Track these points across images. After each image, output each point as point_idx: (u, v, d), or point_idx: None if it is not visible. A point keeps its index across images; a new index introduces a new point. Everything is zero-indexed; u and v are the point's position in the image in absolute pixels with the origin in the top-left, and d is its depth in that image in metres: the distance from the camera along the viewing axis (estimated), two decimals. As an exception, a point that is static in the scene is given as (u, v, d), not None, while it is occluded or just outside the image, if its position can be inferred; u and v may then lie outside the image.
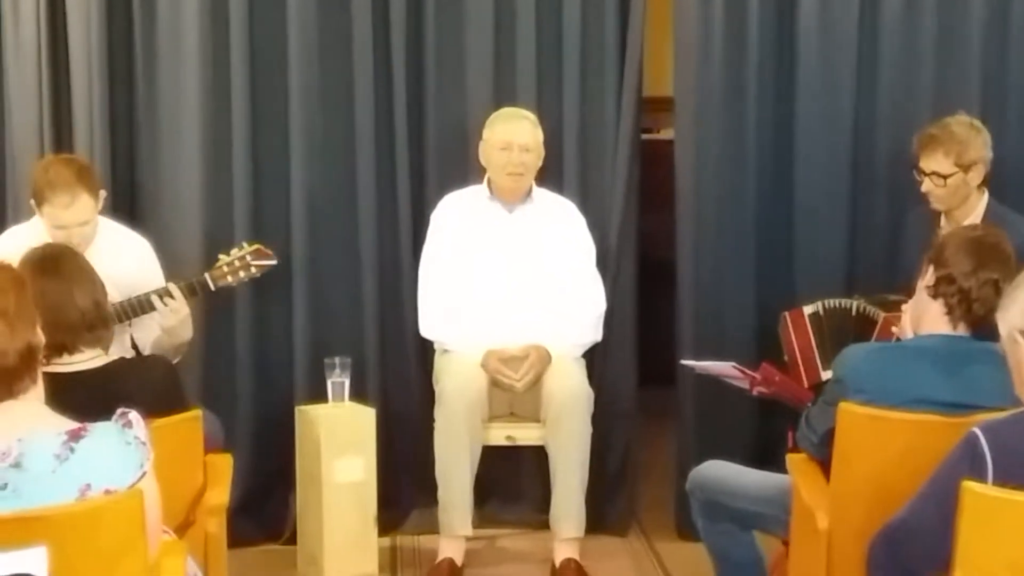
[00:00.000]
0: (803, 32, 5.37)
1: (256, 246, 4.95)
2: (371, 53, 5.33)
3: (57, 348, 3.60)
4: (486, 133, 5.21)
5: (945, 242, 3.81)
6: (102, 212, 4.79)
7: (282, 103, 5.34)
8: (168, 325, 4.68)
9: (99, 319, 3.73)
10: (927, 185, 4.90)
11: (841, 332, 4.79)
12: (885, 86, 5.41)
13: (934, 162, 4.89)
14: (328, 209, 5.40)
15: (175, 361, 4.67)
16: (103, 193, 4.77)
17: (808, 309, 5.02)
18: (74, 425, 3.01)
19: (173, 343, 4.73)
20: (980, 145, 4.92)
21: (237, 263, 4.89)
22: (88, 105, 5.23)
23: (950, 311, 3.70)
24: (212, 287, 4.84)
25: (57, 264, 3.73)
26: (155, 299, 4.66)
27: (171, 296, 4.68)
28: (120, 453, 3.04)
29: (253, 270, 4.91)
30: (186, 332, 4.78)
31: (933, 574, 3.15)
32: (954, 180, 4.88)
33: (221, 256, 4.91)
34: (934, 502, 3.09)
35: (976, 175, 4.91)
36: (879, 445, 3.55)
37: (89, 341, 3.71)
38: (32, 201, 4.70)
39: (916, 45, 5.40)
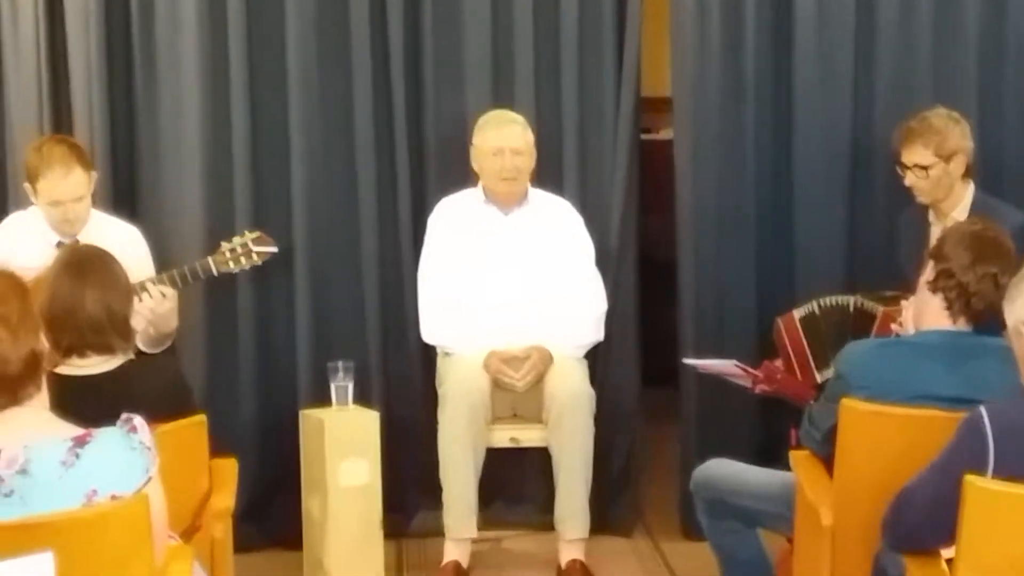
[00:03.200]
0: (800, 31, 5.37)
1: (258, 233, 4.96)
2: (369, 56, 5.33)
3: (65, 350, 3.62)
4: (476, 139, 5.20)
5: (945, 237, 3.82)
6: (95, 205, 4.83)
7: (281, 106, 5.35)
8: (159, 312, 4.66)
9: (110, 326, 3.72)
10: (910, 178, 4.93)
11: (840, 329, 4.78)
12: (882, 84, 5.42)
13: (915, 154, 4.91)
14: (329, 212, 5.41)
15: (165, 347, 4.69)
16: (95, 174, 4.81)
17: (799, 312, 5.00)
18: (79, 431, 3.02)
19: (160, 332, 4.72)
20: (959, 135, 4.93)
21: (239, 249, 4.89)
22: (87, 100, 5.25)
23: (950, 306, 3.70)
24: (215, 272, 4.85)
25: (81, 266, 3.74)
26: (149, 285, 4.65)
27: (159, 288, 4.68)
28: (125, 458, 3.05)
29: (255, 257, 4.92)
30: (172, 322, 4.78)
31: (933, 546, 3.20)
32: (935, 171, 4.89)
33: (223, 243, 4.92)
34: (937, 476, 3.13)
35: (958, 165, 4.92)
36: (882, 441, 3.56)
37: (97, 347, 3.71)
38: (27, 185, 4.73)
39: (913, 42, 5.40)
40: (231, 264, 4.88)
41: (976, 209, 4.87)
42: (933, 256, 3.77)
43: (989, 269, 3.65)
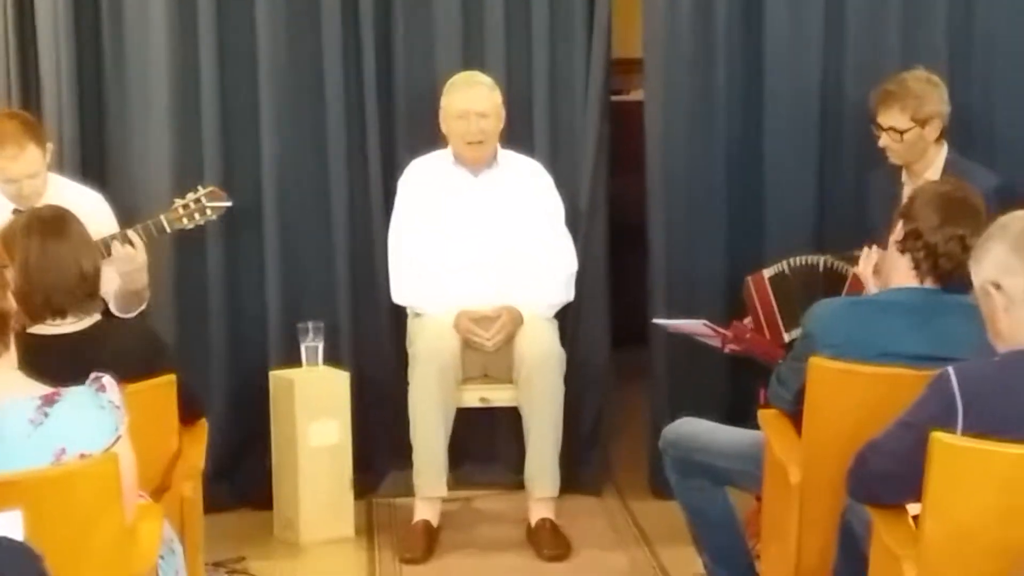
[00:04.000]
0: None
1: (211, 188, 4.91)
2: (340, 17, 5.31)
3: (54, 311, 3.61)
4: (443, 101, 5.18)
5: (914, 197, 3.84)
6: (59, 171, 4.80)
7: (251, 68, 5.33)
8: (124, 271, 4.63)
9: (82, 285, 3.71)
10: (884, 140, 4.92)
11: (810, 289, 4.79)
12: (852, 44, 5.42)
13: (891, 118, 4.90)
14: (299, 174, 5.40)
15: (139, 310, 4.67)
16: (51, 146, 4.76)
17: (769, 272, 5.01)
18: (48, 390, 3.02)
19: (132, 289, 4.68)
20: (937, 99, 4.92)
21: (192, 205, 4.84)
22: (55, 60, 5.21)
23: (917, 266, 3.73)
24: (167, 229, 4.79)
25: (65, 226, 3.73)
26: (115, 245, 4.61)
27: (131, 243, 4.63)
28: (94, 417, 3.05)
29: (209, 212, 4.87)
30: (142, 279, 4.72)
31: (893, 499, 3.23)
32: (911, 135, 4.89)
33: (176, 199, 4.87)
34: (903, 431, 3.15)
35: (933, 129, 4.91)
36: (850, 399, 3.58)
37: (82, 307, 3.70)
38: None
39: (882, 2, 5.39)
40: (184, 220, 4.82)
41: (949, 171, 4.88)
42: (902, 216, 3.78)
43: (957, 231, 3.66)
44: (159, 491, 3.72)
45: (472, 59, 5.36)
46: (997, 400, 3.03)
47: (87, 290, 3.72)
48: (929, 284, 3.75)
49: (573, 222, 5.36)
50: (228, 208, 4.94)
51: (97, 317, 3.78)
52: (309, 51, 5.33)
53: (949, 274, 3.71)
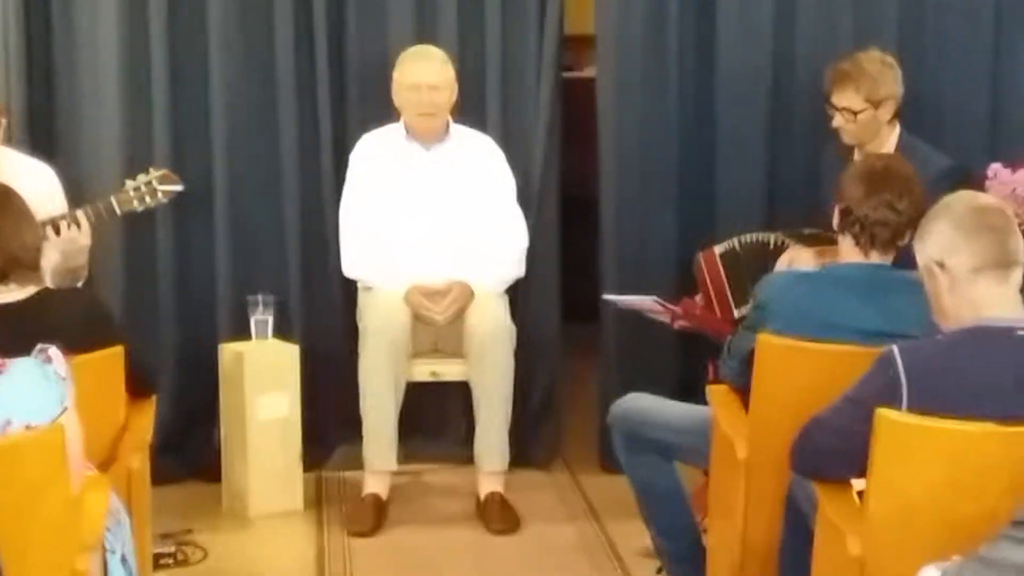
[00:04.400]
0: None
1: (163, 171, 4.85)
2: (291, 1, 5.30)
3: None
4: (396, 74, 5.18)
5: (840, 177, 3.87)
6: (8, 144, 4.74)
7: (201, 40, 5.31)
8: (67, 250, 4.59)
9: (37, 259, 3.69)
10: (838, 120, 4.93)
11: (760, 265, 4.78)
12: (804, 23, 5.43)
13: (845, 98, 4.91)
14: (249, 147, 5.39)
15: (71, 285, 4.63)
16: (3, 121, 4.70)
17: (720, 248, 5.01)
18: (-8, 360, 2.99)
19: (70, 266, 4.64)
20: (891, 81, 4.94)
21: (143, 188, 4.78)
22: (3, 32, 5.17)
23: (857, 241, 3.77)
24: (118, 211, 4.74)
25: (8, 199, 3.69)
26: (62, 224, 4.57)
27: (77, 224, 4.60)
28: (40, 389, 3.04)
29: (160, 195, 4.80)
30: (83, 258, 4.69)
31: (836, 474, 3.25)
32: (864, 116, 4.90)
33: (127, 181, 4.82)
34: (848, 407, 3.18)
35: (887, 111, 4.93)
36: (797, 375, 3.60)
37: (23, 278, 3.64)
38: None
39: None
40: (135, 203, 4.76)
41: (901, 152, 4.89)
42: (836, 198, 3.83)
43: (883, 196, 3.71)
44: (106, 463, 3.70)
45: (425, 33, 5.35)
46: (941, 378, 3.05)
47: (29, 263, 3.69)
48: (876, 258, 3.78)
49: (524, 198, 5.36)
50: (179, 191, 4.90)
51: (39, 287, 3.76)
52: (259, 23, 5.32)
53: (889, 243, 3.75)
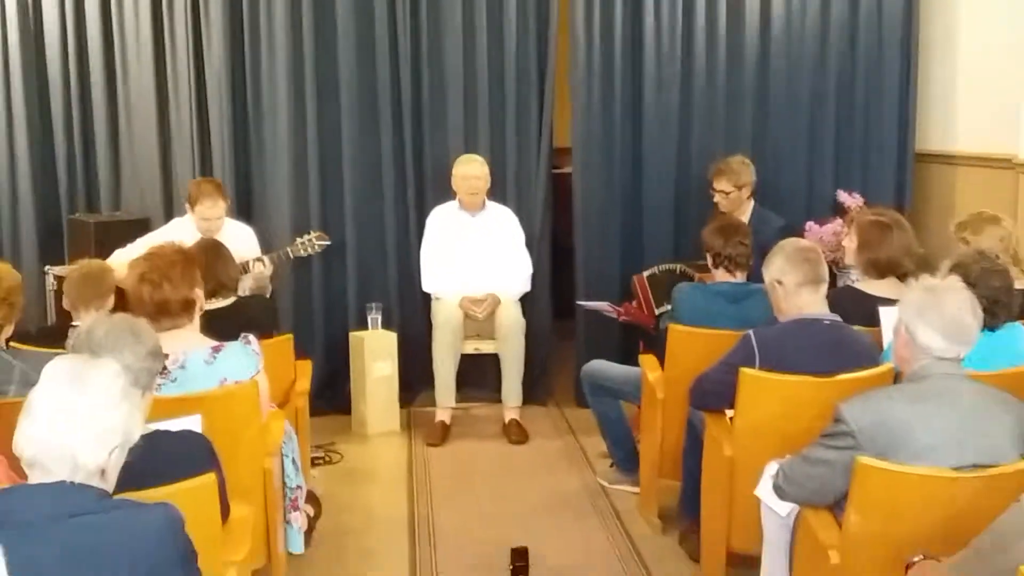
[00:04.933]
0: (647, 105, 5.31)
1: (319, 232, 4.91)
2: (391, 121, 5.24)
3: (212, 293, 3.59)
4: (454, 171, 5.16)
5: (704, 234, 3.85)
6: (228, 214, 4.76)
7: (338, 147, 5.24)
8: (256, 277, 4.62)
9: (235, 285, 3.77)
10: (718, 197, 4.94)
11: (671, 282, 4.78)
12: (697, 131, 5.37)
13: (721, 184, 4.92)
14: (367, 216, 5.31)
15: (267, 295, 4.65)
16: (229, 200, 4.73)
17: (647, 273, 5.00)
18: (216, 343, 3.02)
19: (259, 286, 4.66)
20: (748, 174, 4.95)
21: (307, 242, 4.84)
22: (221, 137, 5.15)
23: (728, 269, 3.75)
24: (291, 256, 4.80)
25: (219, 249, 3.74)
26: (254, 263, 4.61)
27: (262, 263, 4.64)
28: (244, 359, 3.07)
29: (317, 247, 4.86)
30: (265, 283, 4.72)
31: (717, 406, 3.25)
32: (733, 195, 4.91)
33: (297, 238, 4.87)
34: (723, 367, 3.19)
35: (747, 191, 4.94)
36: (694, 349, 3.60)
37: (225, 295, 3.69)
38: (187, 205, 4.68)
39: (712, 105, 5.34)
40: (301, 251, 4.82)
41: (755, 215, 4.89)
42: (705, 250, 3.82)
43: (733, 239, 3.71)
44: (283, 404, 3.74)
45: (470, 147, 5.31)
46: (779, 349, 3.07)
47: (233, 285, 3.74)
48: (739, 277, 3.77)
49: (530, 244, 5.31)
50: (328, 244, 4.92)
51: (236, 298, 3.79)
52: (373, 138, 5.26)
53: (745, 265, 3.75)
